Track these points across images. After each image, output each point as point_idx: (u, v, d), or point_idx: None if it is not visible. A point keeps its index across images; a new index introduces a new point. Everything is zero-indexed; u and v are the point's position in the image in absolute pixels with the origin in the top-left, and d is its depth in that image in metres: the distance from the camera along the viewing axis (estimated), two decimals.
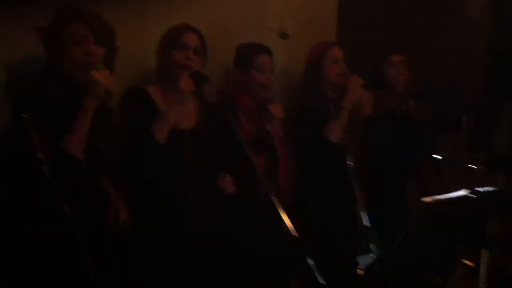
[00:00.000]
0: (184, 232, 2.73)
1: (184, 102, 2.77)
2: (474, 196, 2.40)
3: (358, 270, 2.30)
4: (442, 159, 3.86)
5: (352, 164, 3.12)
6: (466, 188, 2.43)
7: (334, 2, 4.20)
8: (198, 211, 2.80)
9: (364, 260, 2.32)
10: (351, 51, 3.58)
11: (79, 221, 2.08)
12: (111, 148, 2.53)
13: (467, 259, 2.54)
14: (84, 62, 2.38)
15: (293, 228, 2.59)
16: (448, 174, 3.87)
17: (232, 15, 3.60)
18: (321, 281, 2.41)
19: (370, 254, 2.48)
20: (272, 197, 2.69)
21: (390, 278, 2.35)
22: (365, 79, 3.46)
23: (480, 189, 2.39)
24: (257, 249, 2.99)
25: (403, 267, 2.57)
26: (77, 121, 2.32)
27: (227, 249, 2.87)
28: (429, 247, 2.57)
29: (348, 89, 3.40)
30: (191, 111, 2.92)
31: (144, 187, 2.70)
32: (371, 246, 2.74)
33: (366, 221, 2.88)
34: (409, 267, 2.63)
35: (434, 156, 3.87)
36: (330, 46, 3.51)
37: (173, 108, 2.72)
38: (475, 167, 3.06)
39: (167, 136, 2.69)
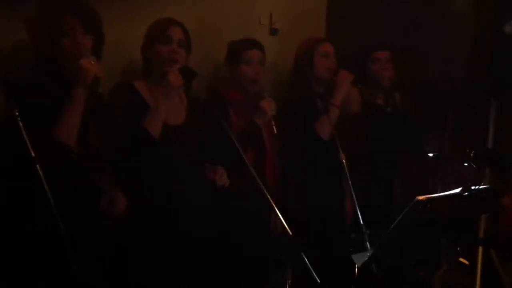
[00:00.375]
0: (176, 227, 2.71)
1: (173, 95, 2.74)
2: (466, 194, 2.42)
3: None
4: (431, 156, 3.88)
5: (343, 160, 3.10)
6: (458, 185, 2.44)
7: None
8: (189, 206, 2.77)
9: (359, 258, 2.31)
10: (340, 47, 3.57)
11: (74, 218, 2.06)
12: (105, 143, 2.49)
13: (461, 257, 2.55)
14: (73, 53, 2.36)
15: (286, 225, 2.58)
16: (431, 169, 3.89)
17: (222, 10, 3.58)
18: (317, 279, 2.41)
19: (365, 252, 2.47)
20: (265, 192, 2.66)
21: (385, 275, 2.35)
22: (353, 75, 3.46)
23: (473, 187, 2.41)
24: (249, 245, 2.99)
25: (394, 263, 2.59)
26: (67, 110, 2.31)
27: (219, 243, 2.86)
28: (419, 243, 2.59)
29: (337, 84, 3.38)
30: (180, 107, 2.89)
31: (137, 182, 2.66)
32: (366, 244, 2.74)
33: (359, 218, 2.88)
34: (399, 263, 2.65)
35: (422, 152, 3.89)
36: (321, 41, 3.50)
37: (164, 103, 2.69)
38: (465, 164, 3.08)
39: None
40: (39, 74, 2.36)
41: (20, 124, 2.06)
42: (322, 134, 3.33)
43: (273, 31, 3.86)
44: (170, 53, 2.78)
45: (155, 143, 2.63)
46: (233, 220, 2.97)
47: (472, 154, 3.18)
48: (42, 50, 2.39)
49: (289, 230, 2.58)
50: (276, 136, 3.23)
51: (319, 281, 2.46)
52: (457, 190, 2.40)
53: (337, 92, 3.37)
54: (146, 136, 2.60)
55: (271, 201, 2.65)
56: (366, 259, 2.36)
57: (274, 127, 3.08)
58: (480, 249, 2.43)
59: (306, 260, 2.53)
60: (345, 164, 3.10)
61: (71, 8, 2.40)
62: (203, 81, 3.21)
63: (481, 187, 2.43)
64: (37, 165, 2.05)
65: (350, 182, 3.04)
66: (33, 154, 2.05)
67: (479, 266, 2.36)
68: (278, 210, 2.65)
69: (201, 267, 2.74)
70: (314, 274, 2.49)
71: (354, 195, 3.00)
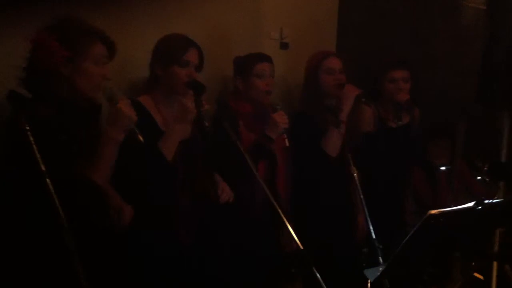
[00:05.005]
0: (179, 238, 2.73)
1: (188, 119, 2.72)
2: (480, 208, 2.39)
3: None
4: (435, 167, 3.86)
5: (355, 174, 3.07)
6: (471, 199, 2.41)
7: (334, 11, 4.19)
8: (193, 218, 2.77)
9: (372, 273, 2.29)
10: (351, 59, 3.56)
11: (76, 223, 2.05)
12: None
13: (476, 271, 2.52)
14: (98, 84, 2.37)
15: (298, 240, 2.56)
16: (442, 183, 3.87)
17: (232, 25, 3.59)
18: None
19: (378, 267, 2.45)
20: (276, 206, 2.65)
21: None
22: (365, 89, 3.44)
23: (486, 201, 2.37)
24: (255, 256, 3.01)
25: (407, 278, 2.56)
26: (106, 154, 2.32)
27: (222, 255, 2.87)
28: (432, 257, 2.57)
29: (342, 99, 3.36)
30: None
31: (142, 192, 2.66)
32: (379, 258, 2.71)
33: (372, 233, 2.85)
34: (413, 278, 2.63)
35: (432, 165, 3.87)
36: (327, 57, 3.47)
37: (179, 128, 2.69)
38: (479, 177, 3.04)
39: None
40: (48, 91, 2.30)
41: (31, 138, 2.06)
42: (329, 151, 3.32)
43: (284, 45, 3.86)
44: (187, 77, 2.77)
45: (167, 164, 2.63)
46: (240, 229, 2.98)
47: (485, 168, 3.15)
48: (62, 72, 2.32)
49: (300, 245, 2.56)
50: (288, 149, 3.23)
51: None
52: (470, 204, 2.37)
53: (342, 107, 3.34)
54: (159, 156, 2.60)
55: (283, 215, 2.64)
56: (379, 274, 2.33)
57: (286, 140, 3.07)
58: (495, 263, 2.39)
59: (318, 274, 2.51)
60: (357, 178, 3.07)
61: (102, 36, 2.40)
62: (213, 95, 3.22)
63: (495, 201, 2.40)
64: (47, 180, 2.05)
65: (362, 196, 3.01)
66: (43, 169, 2.05)
67: (493, 281, 2.32)
68: (290, 224, 2.64)
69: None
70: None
71: (366, 210, 2.97)
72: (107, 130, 2.35)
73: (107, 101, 2.39)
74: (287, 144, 3.07)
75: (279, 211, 2.63)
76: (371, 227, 2.89)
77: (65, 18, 2.38)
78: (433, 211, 2.23)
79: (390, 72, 3.60)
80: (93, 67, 2.36)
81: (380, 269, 2.31)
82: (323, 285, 2.47)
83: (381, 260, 2.73)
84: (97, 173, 2.31)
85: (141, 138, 2.36)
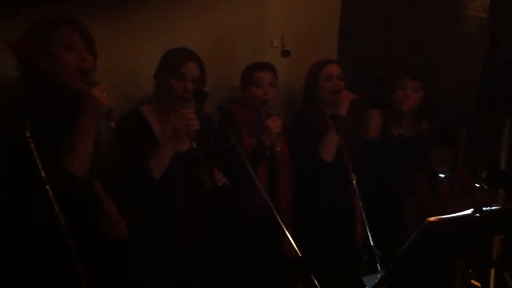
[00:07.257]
0: (180, 239, 2.76)
1: (182, 138, 2.71)
2: (478, 215, 2.39)
3: None
4: (437, 175, 3.85)
5: (354, 180, 3.08)
6: (466, 205, 2.41)
7: (335, 17, 4.22)
8: (193, 220, 2.81)
9: (370, 280, 2.29)
10: (351, 67, 3.57)
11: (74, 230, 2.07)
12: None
13: (473, 279, 2.51)
14: (78, 69, 2.31)
15: (298, 245, 2.57)
16: (444, 189, 3.86)
17: (232, 32, 3.61)
18: None
19: (376, 274, 2.45)
20: (275, 214, 2.66)
21: None
22: (363, 95, 3.46)
23: (485, 208, 2.38)
24: (255, 258, 3.05)
25: (405, 285, 2.56)
26: (79, 141, 2.24)
27: (223, 257, 2.93)
28: (431, 264, 2.57)
29: (337, 104, 3.35)
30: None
31: (138, 199, 2.70)
32: (377, 265, 2.71)
33: (370, 240, 2.85)
34: (411, 285, 2.62)
35: (434, 172, 3.87)
36: (326, 64, 3.49)
37: (172, 145, 2.69)
38: (477, 184, 3.04)
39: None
40: (38, 95, 2.28)
41: (31, 145, 2.08)
42: (324, 156, 3.32)
43: (285, 53, 3.88)
44: (183, 91, 2.78)
45: (154, 183, 2.63)
46: (244, 233, 3.03)
47: (484, 175, 3.15)
48: (38, 68, 2.29)
49: (298, 252, 2.57)
50: (288, 155, 3.26)
51: None
52: (469, 212, 2.37)
53: (338, 112, 3.32)
54: (147, 175, 2.61)
55: (281, 223, 2.64)
56: (377, 281, 2.33)
57: (278, 144, 3.08)
58: (493, 271, 2.39)
59: (316, 281, 2.51)
60: (355, 184, 3.08)
61: (70, 21, 2.36)
62: (216, 102, 3.23)
63: (493, 208, 2.40)
64: (47, 186, 2.07)
65: (360, 203, 3.02)
66: (43, 175, 2.06)
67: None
68: (289, 232, 2.64)
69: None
70: None
71: (364, 216, 2.97)
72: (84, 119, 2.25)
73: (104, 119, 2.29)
74: (279, 148, 3.09)
75: (278, 218, 2.64)
76: (369, 234, 2.89)
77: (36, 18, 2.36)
78: (432, 218, 2.23)
79: (402, 80, 3.60)
80: (64, 51, 2.31)
81: (379, 276, 2.32)
82: None
83: (379, 267, 2.73)
84: (74, 164, 2.24)
85: (113, 125, 2.27)
